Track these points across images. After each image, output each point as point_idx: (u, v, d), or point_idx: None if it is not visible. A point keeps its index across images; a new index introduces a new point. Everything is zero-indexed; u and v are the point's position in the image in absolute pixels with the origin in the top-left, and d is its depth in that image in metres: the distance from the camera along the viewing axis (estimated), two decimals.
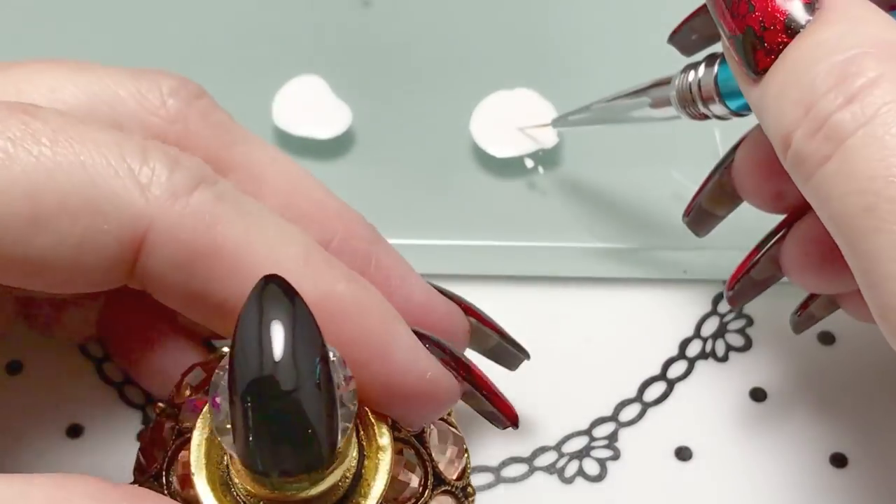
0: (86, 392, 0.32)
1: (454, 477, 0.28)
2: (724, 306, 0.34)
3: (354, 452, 0.25)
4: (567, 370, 0.33)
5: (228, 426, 0.22)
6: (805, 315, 0.31)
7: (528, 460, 0.32)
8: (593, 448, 0.32)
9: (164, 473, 0.26)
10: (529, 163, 0.37)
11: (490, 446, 0.32)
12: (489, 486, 0.31)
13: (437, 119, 0.37)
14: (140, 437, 0.27)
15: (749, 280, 0.30)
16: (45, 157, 0.23)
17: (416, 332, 0.26)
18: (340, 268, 0.25)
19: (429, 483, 0.27)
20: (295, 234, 0.25)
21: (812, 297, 0.31)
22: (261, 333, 0.21)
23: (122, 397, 0.32)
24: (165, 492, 0.26)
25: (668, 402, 0.33)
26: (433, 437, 0.28)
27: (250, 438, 0.22)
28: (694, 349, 0.34)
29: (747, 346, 0.34)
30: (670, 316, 0.34)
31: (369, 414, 0.25)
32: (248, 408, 0.22)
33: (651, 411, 0.33)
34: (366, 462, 0.25)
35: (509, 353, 0.30)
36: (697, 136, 0.36)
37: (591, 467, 0.32)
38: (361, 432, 0.25)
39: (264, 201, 0.27)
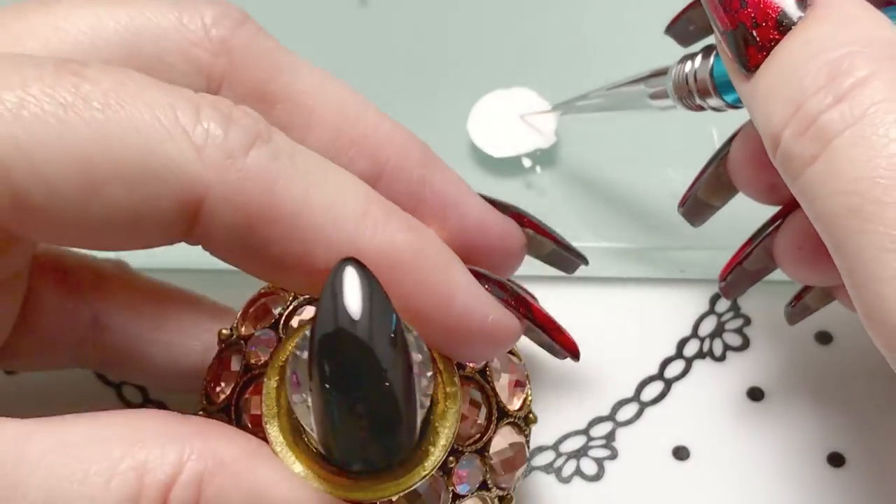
0: (85, 392, 0.32)
1: (517, 407, 0.28)
2: (721, 306, 0.34)
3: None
4: (564, 369, 0.33)
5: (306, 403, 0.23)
6: (799, 306, 0.31)
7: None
8: (591, 447, 0.32)
9: (232, 408, 0.26)
10: (527, 162, 0.37)
11: None
12: None
13: (434, 119, 0.37)
14: (209, 369, 0.27)
15: (742, 271, 0.30)
16: (97, 122, 0.22)
17: (475, 273, 0.26)
18: (399, 217, 0.25)
19: (493, 418, 0.27)
20: (353, 186, 0.25)
21: (807, 289, 0.31)
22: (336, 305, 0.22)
23: (120, 397, 0.33)
24: (234, 425, 0.26)
25: (666, 401, 0.33)
26: (496, 371, 0.28)
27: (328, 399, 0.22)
28: (691, 349, 0.34)
29: (745, 345, 0.34)
30: (668, 315, 0.34)
31: (438, 359, 0.25)
32: (324, 365, 0.22)
33: (648, 411, 0.33)
34: (434, 408, 0.25)
35: (565, 258, 0.31)
36: (695, 136, 0.36)
37: (588, 467, 0.32)
38: None
39: (313, 133, 0.27)
